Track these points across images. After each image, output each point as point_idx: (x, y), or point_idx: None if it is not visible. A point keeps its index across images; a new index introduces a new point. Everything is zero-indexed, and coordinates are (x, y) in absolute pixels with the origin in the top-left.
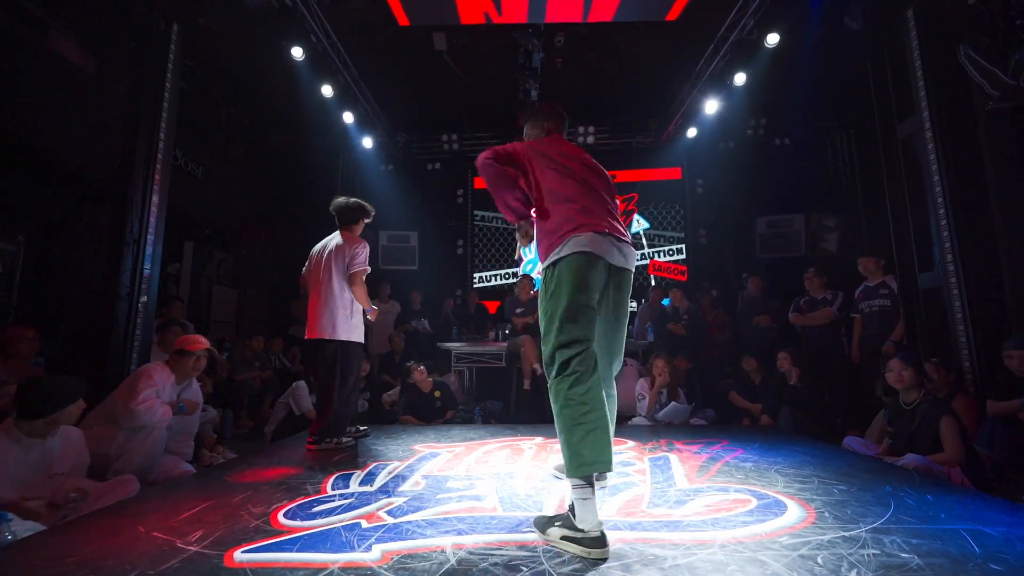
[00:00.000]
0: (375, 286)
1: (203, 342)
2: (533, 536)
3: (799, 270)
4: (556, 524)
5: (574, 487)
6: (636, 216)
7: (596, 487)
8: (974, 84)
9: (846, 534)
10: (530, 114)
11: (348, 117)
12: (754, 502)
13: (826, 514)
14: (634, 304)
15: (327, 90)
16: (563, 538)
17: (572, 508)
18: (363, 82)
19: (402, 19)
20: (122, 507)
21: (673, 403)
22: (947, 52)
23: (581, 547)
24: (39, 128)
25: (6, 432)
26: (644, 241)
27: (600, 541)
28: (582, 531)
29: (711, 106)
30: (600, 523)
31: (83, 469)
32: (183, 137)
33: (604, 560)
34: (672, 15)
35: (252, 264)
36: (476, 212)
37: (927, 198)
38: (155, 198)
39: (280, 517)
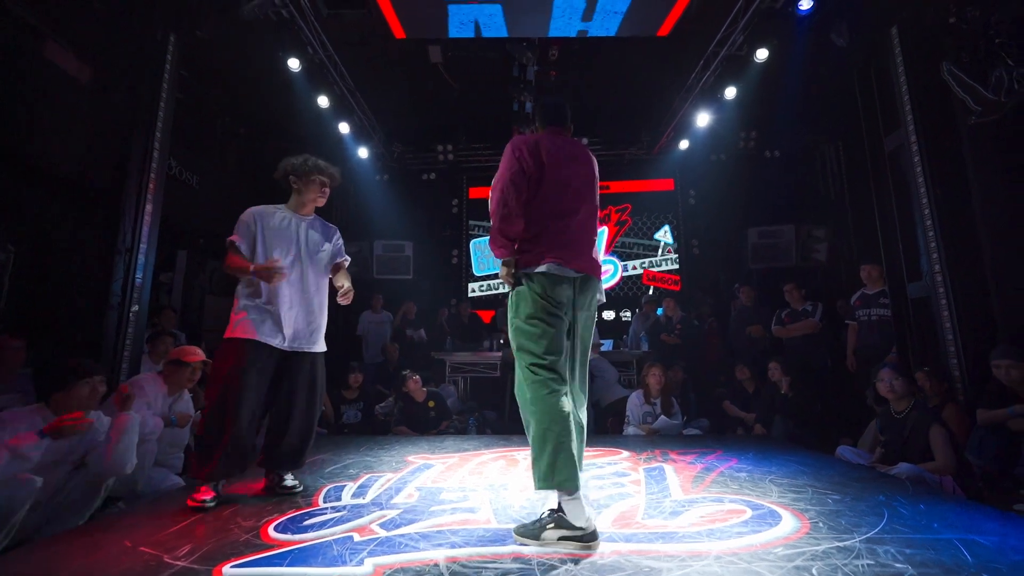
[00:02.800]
0: (368, 297)
1: (200, 354)
2: (527, 548)
3: (790, 280)
4: (549, 527)
5: (563, 496)
6: (665, 227)
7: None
8: (957, 99)
9: (840, 544)
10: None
11: (344, 127)
12: (749, 512)
13: (820, 524)
14: (628, 313)
15: (323, 101)
16: (561, 539)
17: (560, 508)
18: (359, 93)
19: (398, 32)
20: (108, 521)
21: (662, 417)
22: (931, 68)
23: (582, 543)
24: (32, 136)
25: (39, 412)
26: (660, 252)
27: (595, 534)
28: (580, 528)
29: (702, 119)
30: (589, 517)
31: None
32: (178, 146)
33: (598, 546)
34: (664, 30)
35: None
36: (471, 222)
37: (914, 209)
38: (148, 207)
39: (271, 531)
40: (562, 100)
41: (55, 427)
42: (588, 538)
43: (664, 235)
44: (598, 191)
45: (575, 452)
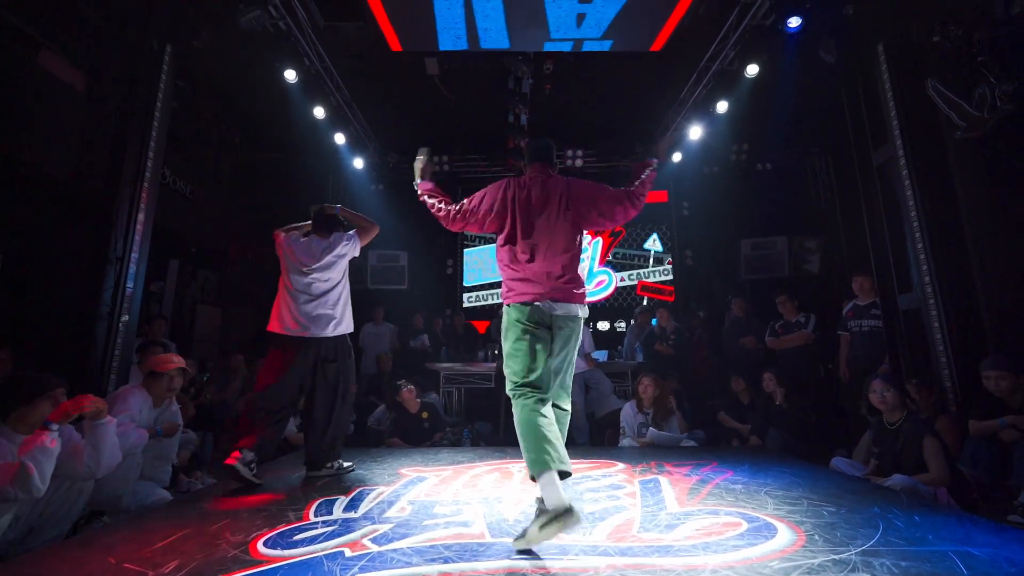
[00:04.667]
0: (371, 308)
1: (175, 361)
2: (522, 563)
3: (783, 291)
4: (532, 523)
5: (538, 480)
6: (653, 235)
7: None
8: (943, 115)
9: (836, 557)
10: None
11: (339, 138)
12: (745, 525)
13: (816, 537)
14: (622, 324)
15: (319, 111)
16: (542, 527)
17: (541, 500)
18: (355, 104)
19: (395, 45)
20: (92, 537)
21: (652, 429)
22: (917, 84)
23: (558, 521)
24: (25, 143)
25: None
26: (651, 261)
27: (570, 510)
28: (554, 509)
29: (695, 132)
30: (562, 496)
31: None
32: (172, 155)
33: (577, 520)
34: (657, 46)
35: (239, 283)
36: (466, 232)
37: (903, 222)
38: (140, 216)
39: (260, 546)
40: (548, 141)
41: (63, 412)
42: (563, 514)
43: (653, 243)
44: (575, 213)
45: (552, 436)
